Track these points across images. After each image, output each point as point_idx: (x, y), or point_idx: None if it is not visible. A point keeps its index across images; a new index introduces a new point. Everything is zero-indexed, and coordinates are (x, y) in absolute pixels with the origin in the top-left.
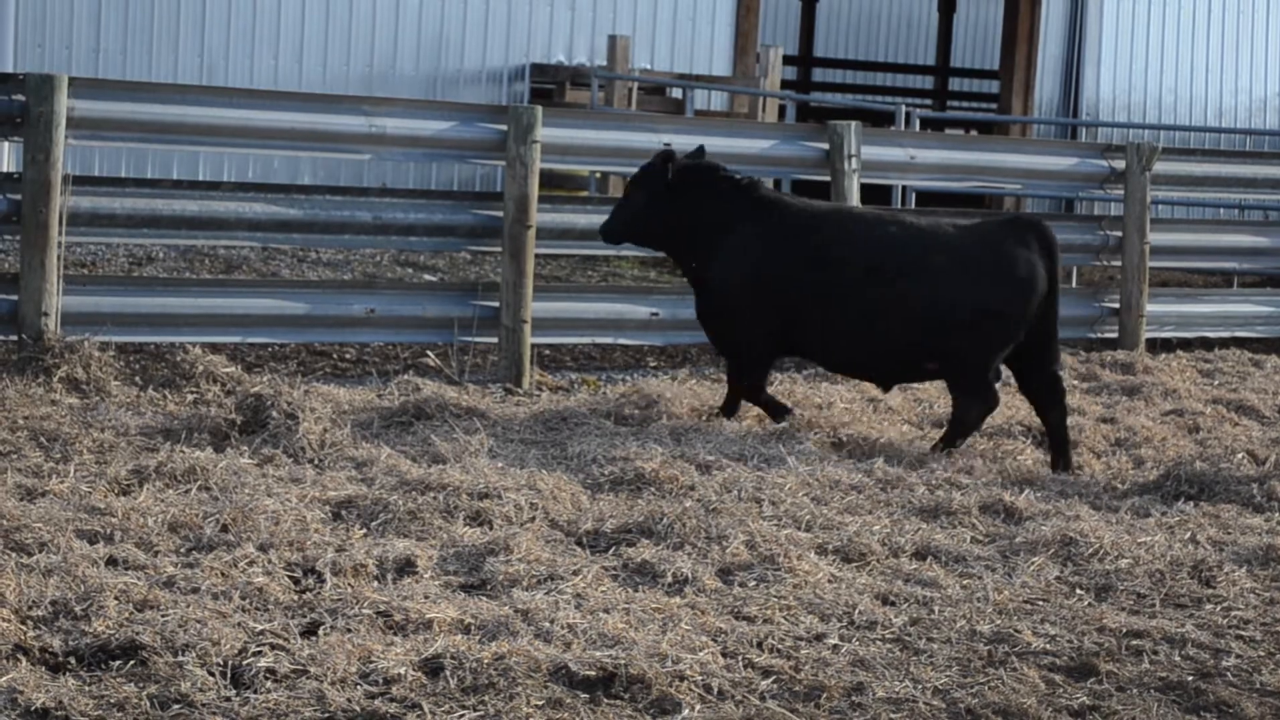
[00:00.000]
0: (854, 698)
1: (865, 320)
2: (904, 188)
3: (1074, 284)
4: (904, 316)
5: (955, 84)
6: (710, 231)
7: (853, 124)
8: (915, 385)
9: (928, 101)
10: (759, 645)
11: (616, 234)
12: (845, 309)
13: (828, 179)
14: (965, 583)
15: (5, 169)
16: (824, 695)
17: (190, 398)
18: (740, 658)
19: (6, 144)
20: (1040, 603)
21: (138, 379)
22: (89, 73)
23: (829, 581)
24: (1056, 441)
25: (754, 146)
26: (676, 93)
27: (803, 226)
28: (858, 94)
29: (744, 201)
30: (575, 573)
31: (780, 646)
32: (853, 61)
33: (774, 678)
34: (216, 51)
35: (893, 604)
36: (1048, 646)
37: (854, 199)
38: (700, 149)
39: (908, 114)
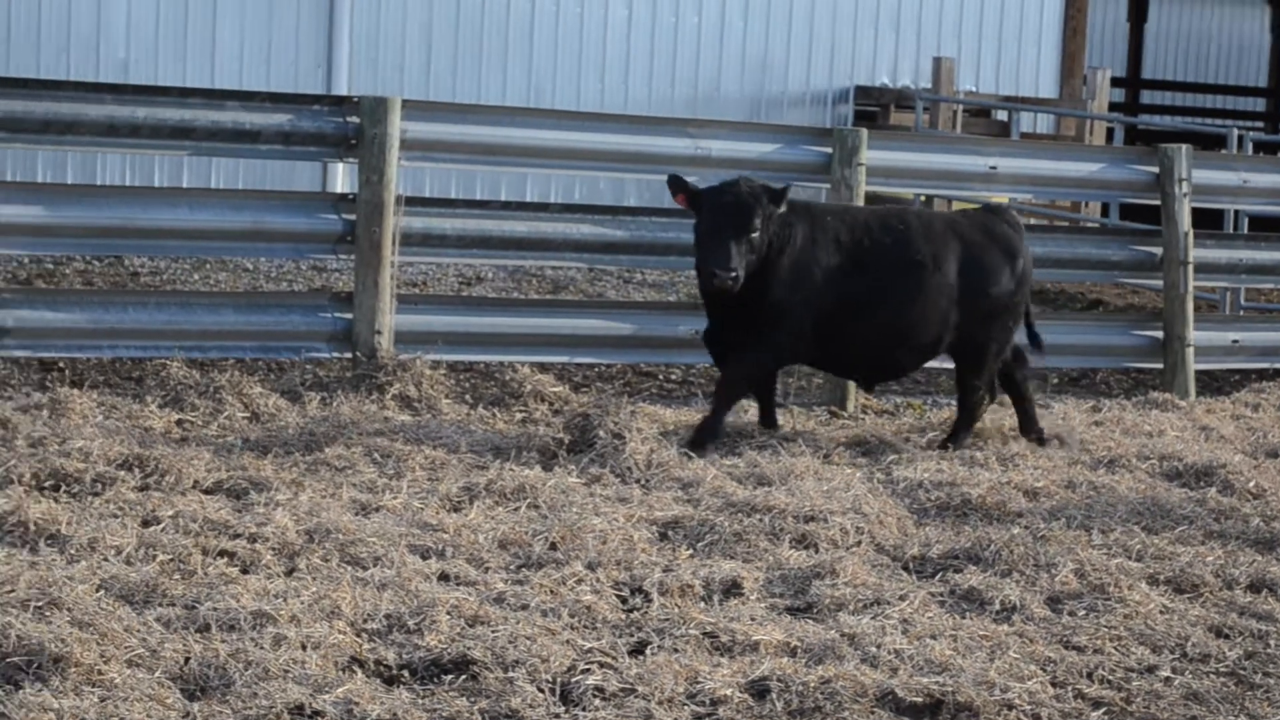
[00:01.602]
0: None
1: (895, 318)
2: (1235, 212)
3: None
4: (932, 310)
5: None
6: (768, 250)
7: (1183, 147)
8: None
9: (1260, 124)
10: (1089, 676)
11: (740, 279)
12: (876, 309)
13: (1157, 203)
14: None
15: (340, 190)
16: None
17: (519, 416)
18: (1070, 688)
19: (341, 165)
20: None
21: (468, 397)
22: (419, 94)
23: (1161, 612)
24: (1025, 408)
25: (1082, 170)
26: (1001, 115)
27: (833, 229)
28: (1187, 116)
29: (795, 212)
30: (902, 598)
31: (1111, 678)
32: (1182, 83)
33: (1104, 709)
34: (543, 74)
35: (1227, 637)
36: None
37: (1184, 224)
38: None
39: (1239, 137)
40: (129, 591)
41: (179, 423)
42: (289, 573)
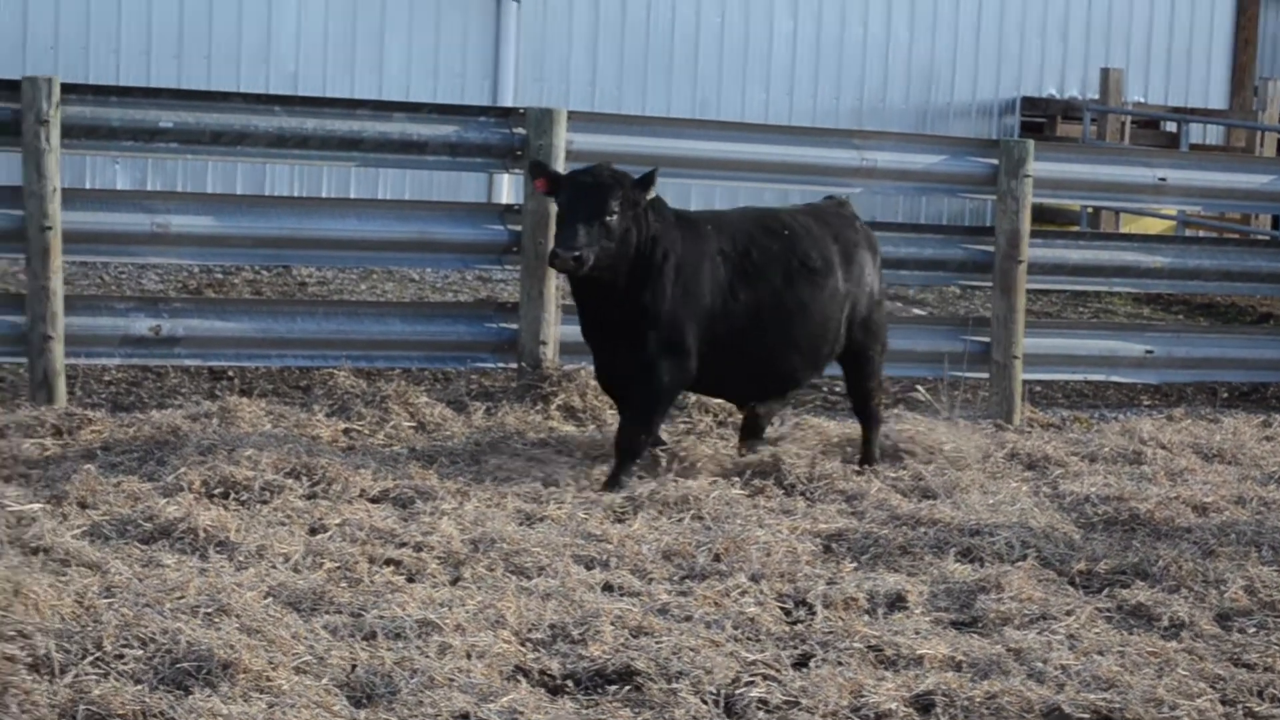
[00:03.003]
0: None
1: (788, 329)
2: None
3: None
4: (828, 316)
5: None
6: (650, 255)
7: None
8: None
9: None
10: (1259, 694)
11: (590, 261)
12: (768, 321)
13: None
14: None
15: (505, 200)
16: None
17: (682, 428)
18: (1240, 706)
19: (506, 176)
20: None
21: None
22: (585, 107)
23: None
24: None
25: (1252, 182)
26: (1170, 126)
27: (719, 235)
28: None
29: (667, 216)
30: (1068, 613)
31: None
32: None
33: None
34: (709, 85)
35: None
36: None
37: None
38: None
39: None
40: (296, 599)
41: (346, 431)
42: (454, 581)
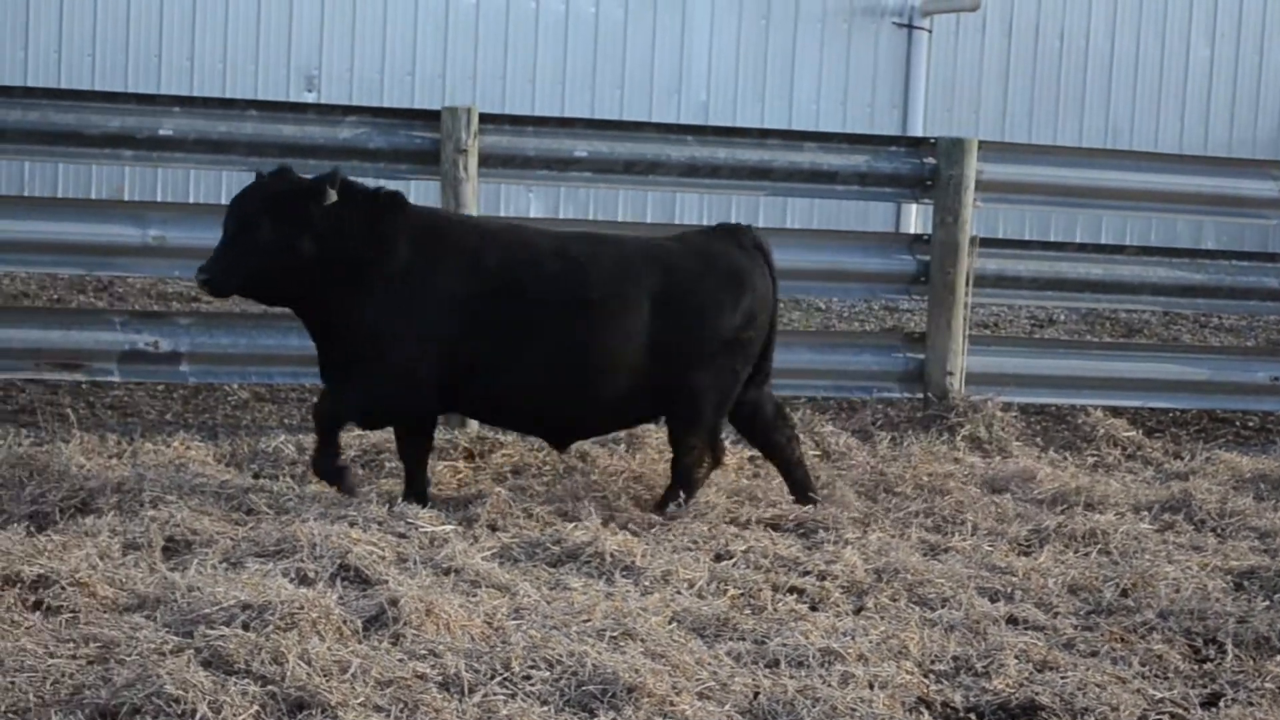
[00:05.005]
0: None
1: (572, 361)
2: None
3: None
4: (622, 353)
5: None
6: (359, 266)
7: None
8: None
9: None
10: None
11: (232, 283)
12: (545, 349)
13: None
14: None
15: (914, 230)
16: None
17: (1090, 461)
18: None
19: (915, 206)
20: None
21: (1038, 440)
22: (994, 136)
23: None
24: (796, 473)
25: None
26: None
27: (479, 250)
28: None
29: (399, 223)
30: None
31: None
32: None
33: None
34: (1121, 114)
35: None
36: None
37: None
38: (287, 168)
39: None
40: (700, 624)
41: (750, 459)
42: (857, 611)
